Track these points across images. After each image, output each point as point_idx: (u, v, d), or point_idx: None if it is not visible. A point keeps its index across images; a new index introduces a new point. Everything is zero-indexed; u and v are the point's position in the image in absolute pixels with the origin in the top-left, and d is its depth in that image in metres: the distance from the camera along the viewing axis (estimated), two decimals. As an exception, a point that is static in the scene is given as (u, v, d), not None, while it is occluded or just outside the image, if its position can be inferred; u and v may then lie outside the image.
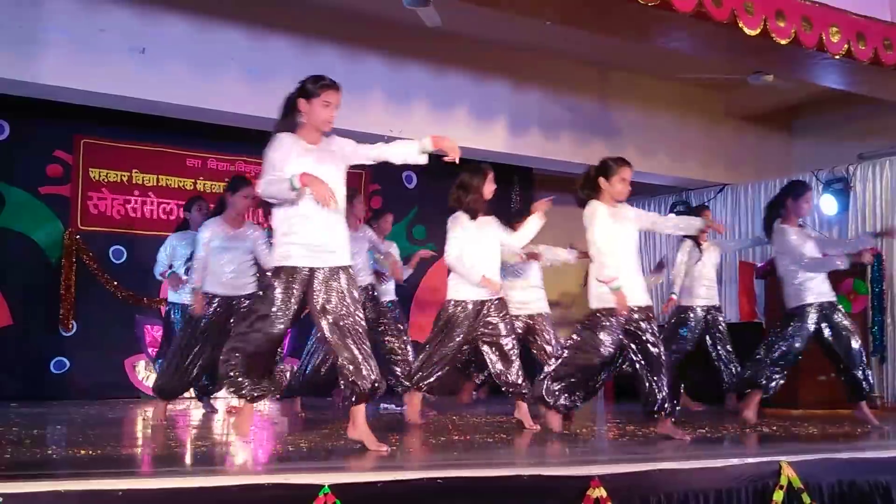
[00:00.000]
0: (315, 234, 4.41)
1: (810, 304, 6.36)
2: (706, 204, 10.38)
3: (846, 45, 6.48)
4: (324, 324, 4.42)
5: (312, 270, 4.43)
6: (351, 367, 4.36)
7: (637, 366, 5.37)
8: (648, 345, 5.34)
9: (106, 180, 9.05)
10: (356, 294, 4.50)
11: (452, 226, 6.07)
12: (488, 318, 5.98)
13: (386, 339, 7.33)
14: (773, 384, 6.48)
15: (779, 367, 6.43)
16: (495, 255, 6.12)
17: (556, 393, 5.57)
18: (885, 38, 6.66)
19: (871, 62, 6.64)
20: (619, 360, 5.61)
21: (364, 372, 4.36)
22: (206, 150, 9.51)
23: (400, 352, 7.29)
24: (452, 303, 6.02)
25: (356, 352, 4.38)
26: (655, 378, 5.31)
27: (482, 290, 5.94)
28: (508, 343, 5.98)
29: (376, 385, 4.41)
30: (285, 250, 4.45)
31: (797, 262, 6.38)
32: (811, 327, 6.36)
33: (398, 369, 7.13)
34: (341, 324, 4.39)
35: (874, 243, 6.50)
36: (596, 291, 5.46)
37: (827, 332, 6.37)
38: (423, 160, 4.53)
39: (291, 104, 4.53)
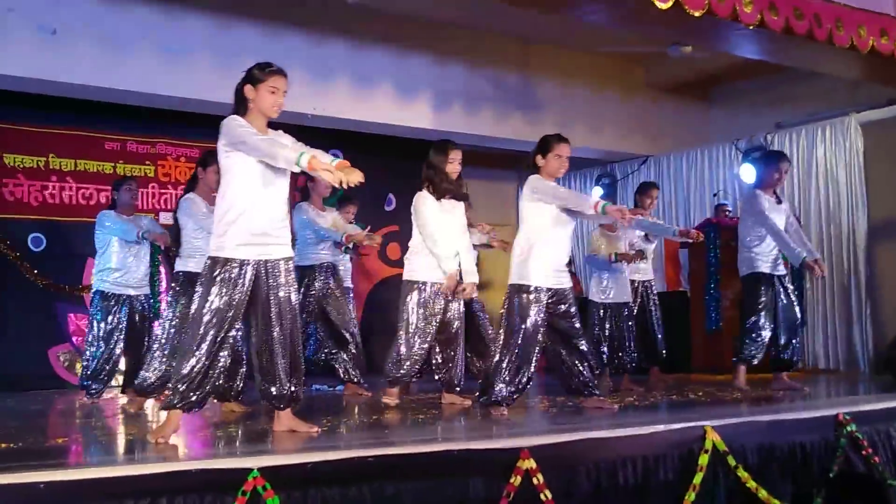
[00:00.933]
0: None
1: (763, 273, 6.50)
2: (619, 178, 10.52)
3: (759, 16, 6.57)
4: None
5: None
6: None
7: (562, 345, 5.42)
8: (570, 325, 5.39)
9: (21, 166, 8.78)
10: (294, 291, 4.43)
11: (420, 204, 5.84)
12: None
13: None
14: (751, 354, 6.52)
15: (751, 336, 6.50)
16: (463, 238, 5.90)
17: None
18: (795, 8, 6.77)
19: (784, 31, 6.75)
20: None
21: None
22: (124, 132, 9.28)
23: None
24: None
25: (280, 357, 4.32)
26: (579, 357, 5.40)
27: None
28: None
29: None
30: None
31: (763, 224, 6.46)
32: (768, 294, 6.48)
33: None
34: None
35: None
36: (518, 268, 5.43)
37: (777, 303, 6.52)
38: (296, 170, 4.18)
39: (239, 92, 4.38)
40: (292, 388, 4.32)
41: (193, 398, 4.16)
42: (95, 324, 6.87)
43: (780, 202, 6.67)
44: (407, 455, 3.65)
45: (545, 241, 5.34)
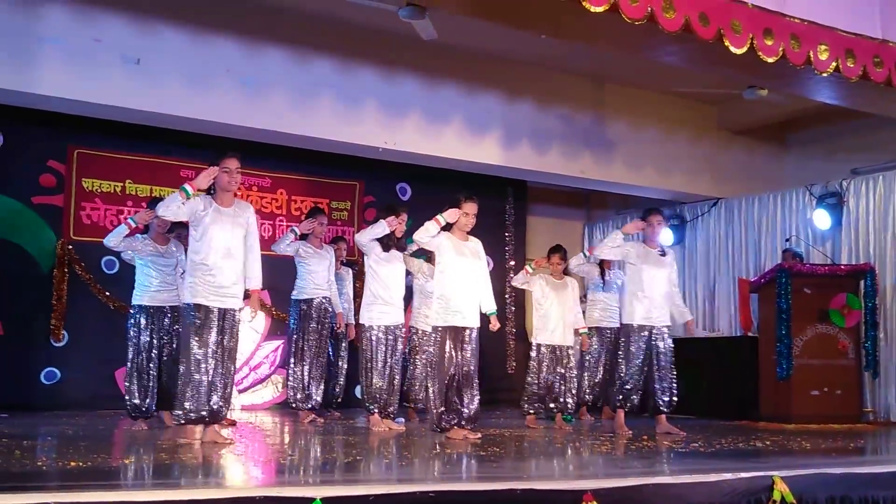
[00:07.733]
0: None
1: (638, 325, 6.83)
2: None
3: (834, 63, 6.48)
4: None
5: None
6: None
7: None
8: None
9: (99, 190, 9.03)
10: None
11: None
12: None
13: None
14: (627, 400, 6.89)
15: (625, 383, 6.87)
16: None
17: None
18: (874, 56, 6.67)
19: (861, 79, 6.65)
20: None
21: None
22: (200, 160, 9.42)
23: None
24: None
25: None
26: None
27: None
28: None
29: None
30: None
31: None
32: (641, 344, 6.81)
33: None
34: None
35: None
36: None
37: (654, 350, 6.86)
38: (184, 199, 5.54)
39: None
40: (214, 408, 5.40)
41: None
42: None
43: (663, 254, 6.96)
44: (468, 492, 3.62)
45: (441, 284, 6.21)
